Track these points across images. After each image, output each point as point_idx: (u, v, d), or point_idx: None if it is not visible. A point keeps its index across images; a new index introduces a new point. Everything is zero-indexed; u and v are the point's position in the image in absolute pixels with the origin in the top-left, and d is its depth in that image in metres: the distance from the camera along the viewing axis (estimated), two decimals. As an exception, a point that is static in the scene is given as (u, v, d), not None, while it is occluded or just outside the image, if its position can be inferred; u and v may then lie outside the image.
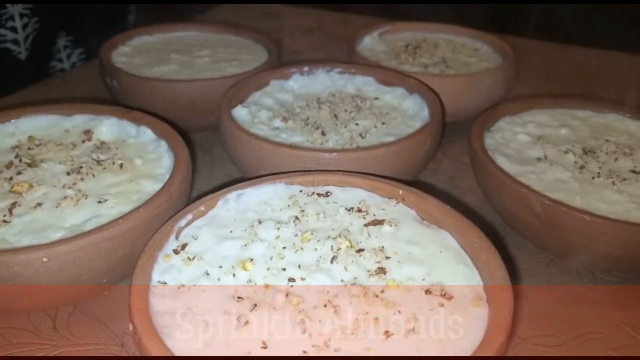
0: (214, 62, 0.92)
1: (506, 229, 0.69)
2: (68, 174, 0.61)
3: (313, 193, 0.57)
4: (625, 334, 0.56)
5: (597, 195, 0.61)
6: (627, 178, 0.63)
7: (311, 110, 0.77)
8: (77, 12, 1.15)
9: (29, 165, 0.62)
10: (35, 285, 0.49)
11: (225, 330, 0.42)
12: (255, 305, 0.44)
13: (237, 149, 0.68)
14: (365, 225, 0.53)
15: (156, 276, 0.47)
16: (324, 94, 0.82)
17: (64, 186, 0.59)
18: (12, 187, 0.58)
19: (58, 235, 0.52)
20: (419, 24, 1.09)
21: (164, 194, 0.55)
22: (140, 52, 0.95)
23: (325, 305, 0.44)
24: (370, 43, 1.02)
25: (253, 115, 0.74)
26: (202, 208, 0.54)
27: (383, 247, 0.50)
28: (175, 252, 0.49)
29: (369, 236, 0.52)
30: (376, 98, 0.81)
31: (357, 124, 0.73)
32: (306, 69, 0.85)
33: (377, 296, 0.45)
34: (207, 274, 0.47)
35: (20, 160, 0.63)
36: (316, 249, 0.50)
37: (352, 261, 0.48)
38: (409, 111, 0.78)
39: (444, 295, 0.45)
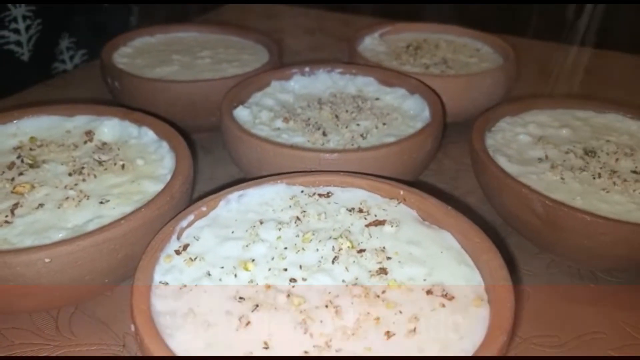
0: (215, 63, 0.92)
1: (507, 230, 0.69)
2: (70, 174, 0.61)
3: (314, 193, 0.57)
4: (627, 334, 0.56)
5: (598, 195, 0.61)
6: (628, 178, 0.63)
7: (312, 110, 0.77)
8: (79, 14, 1.15)
9: (31, 166, 0.62)
10: (37, 286, 0.49)
11: (227, 330, 0.42)
12: (257, 305, 0.44)
13: (239, 150, 0.69)
14: (367, 225, 0.53)
15: (158, 277, 0.47)
16: (325, 95, 0.82)
17: (65, 187, 0.59)
18: (14, 188, 0.58)
19: (60, 235, 0.52)
20: (420, 24, 1.09)
21: (166, 194, 0.55)
22: (141, 53, 0.95)
23: (326, 306, 0.44)
24: (371, 43, 1.02)
25: (254, 115, 0.74)
26: (204, 209, 0.54)
27: (384, 247, 0.50)
28: (177, 252, 0.50)
29: (370, 236, 0.52)
30: (377, 98, 0.81)
31: (358, 125, 0.73)
32: (307, 69, 0.85)
33: (378, 296, 0.45)
34: (209, 274, 0.47)
35: (22, 161, 0.63)
36: (317, 250, 0.50)
37: (354, 261, 0.49)
38: (409, 112, 0.78)
39: (445, 295, 0.45)
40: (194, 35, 1.04)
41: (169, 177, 0.59)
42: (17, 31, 1.01)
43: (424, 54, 0.97)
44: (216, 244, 0.51)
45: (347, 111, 0.76)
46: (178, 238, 0.51)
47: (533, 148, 0.70)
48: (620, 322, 0.57)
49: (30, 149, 0.66)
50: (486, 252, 0.48)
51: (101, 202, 0.57)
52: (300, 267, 0.48)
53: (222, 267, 0.48)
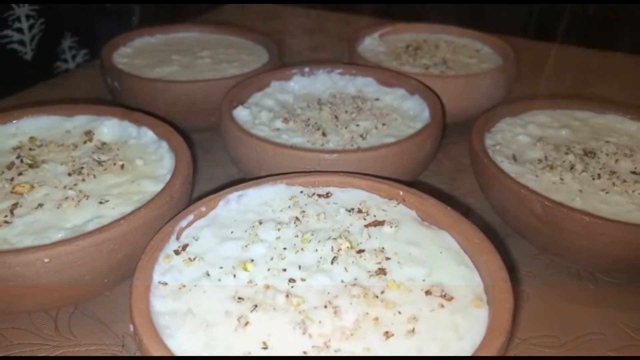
0: (215, 63, 0.92)
1: (507, 230, 0.69)
2: (69, 174, 0.61)
3: (314, 194, 0.57)
4: (626, 335, 0.56)
5: (598, 196, 0.61)
6: (628, 179, 0.63)
7: (312, 111, 0.77)
8: (82, 13, 1.15)
9: (31, 166, 0.62)
10: (36, 286, 0.49)
11: (226, 330, 0.42)
12: (256, 305, 0.44)
13: (238, 150, 0.69)
14: (366, 226, 0.53)
15: (157, 277, 0.47)
16: (324, 95, 0.82)
17: (65, 187, 0.59)
18: (13, 188, 0.58)
19: (59, 235, 0.52)
20: (420, 24, 1.09)
21: (165, 194, 0.55)
22: (141, 53, 0.95)
23: (325, 306, 0.44)
24: (371, 44, 1.02)
25: (254, 116, 0.74)
26: (203, 209, 0.54)
27: (383, 247, 0.50)
28: (176, 252, 0.50)
29: (370, 237, 0.52)
30: (377, 99, 0.81)
31: (357, 125, 0.73)
32: (307, 70, 0.85)
33: (377, 297, 0.45)
34: (208, 274, 0.47)
35: (22, 161, 0.63)
36: (317, 250, 0.50)
37: (353, 262, 0.49)
38: (409, 112, 0.78)
39: (444, 296, 0.45)
40: (194, 36, 1.04)
41: (168, 177, 0.59)
42: (20, 30, 1.02)
43: (424, 54, 0.97)
44: (215, 244, 0.51)
45: (346, 112, 0.76)
46: (177, 238, 0.51)
47: (532, 148, 0.70)
48: (619, 323, 0.57)
49: (30, 149, 0.66)
50: (485, 252, 0.48)
51: (100, 202, 0.57)
52: (300, 267, 0.48)
53: (221, 267, 0.48)
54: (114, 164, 0.63)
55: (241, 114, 0.74)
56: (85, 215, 0.55)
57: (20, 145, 0.67)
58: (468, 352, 0.41)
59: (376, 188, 0.57)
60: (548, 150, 0.69)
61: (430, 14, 1.17)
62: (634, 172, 0.65)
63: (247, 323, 0.43)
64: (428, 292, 0.46)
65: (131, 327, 0.42)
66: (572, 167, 0.65)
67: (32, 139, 0.67)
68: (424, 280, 0.47)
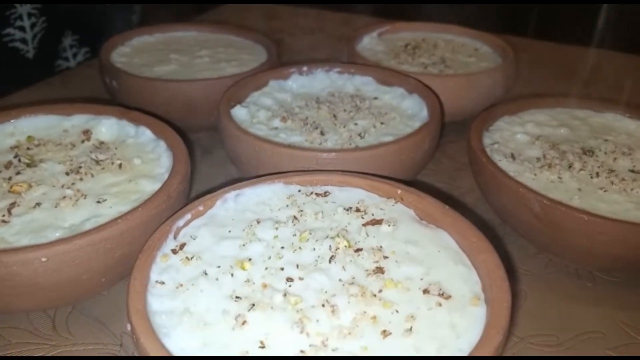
0: (213, 62, 0.92)
1: (505, 229, 0.69)
2: (67, 174, 0.61)
3: (312, 193, 0.57)
4: (624, 333, 0.56)
5: (596, 194, 0.61)
6: (626, 178, 0.63)
7: (310, 110, 0.77)
8: (83, 12, 1.15)
9: (28, 165, 0.62)
10: (34, 285, 0.49)
11: (223, 329, 0.42)
12: (254, 304, 0.44)
13: (236, 149, 0.69)
14: (364, 225, 0.53)
15: (154, 276, 0.47)
16: (323, 94, 0.82)
17: (62, 186, 0.59)
18: (11, 187, 0.58)
19: (57, 235, 0.52)
20: (419, 24, 1.08)
21: (163, 193, 0.55)
22: (139, 52, 0.95)
23: (323, 305, 0.44)
24: (370, 43, 1.02)
25: (252, 115, 0.74)
26: (201, 208, 0.54)
27: (381, 246, 0.50)
28: (174, 251, 0.50)
29: (367, 236, 0.52)
30: (375, 98, 0.81)
31: (356, 124, 0.73)
32: (305, 69, 0.85)
33: (375, 296, 0.45)
34: (205, 273, 0.47)
35: (20, 161, 0.63)
36: (314, 249, 0.50)
37: (350, 261, 0.48)
38: (408, 111, 0.78)
39: (442, 294, 0.45)
40: (193, 35, 1.03)
41: (166, 177, 0.58)
42: (22, 29, 1.02)
43: (423, 53, 0.97)
44: (213, 243, 0.51)
45: (345, 110, 0.76)
46: (175, 237, 0.51)
47: (531, 147, 0.70)
48: (618, 322, 0.57)
49: (28, 148, 0.66)
50: (483, 251, 0.48)
51: (98, 202, 0.57)
52: (297, 266, 0.48)
53: (219, 267, 0.48)
54: (112, 163, 0.63)
55: (239, 113, 0.74)
56: (82, 215, 0.55)
57: (18, 144, 0.67)
58: (465, 351, 0.41)
59: (374, 187, 0.57)
60: (546, 148, 0.69)
61: (429, 13, 1.17)
62: (632, 171, 0.65)
63: (244, 322, 0.43)
64: (426, 291, 0.46)
65: (128, 327, 0.41)
66: (570, 166, 0.65)
67: (29, 138, 0.67)
68: (421, 279, 0.47)
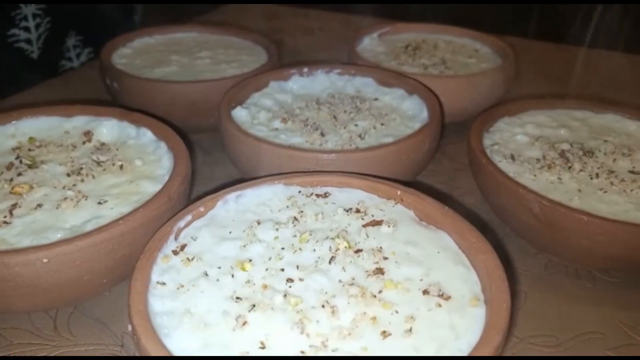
0: (214, 64, 0.92)
1: (505, 230, 0.69)
2: (68, 175, 0.61)
3: (312, 194, 0.58)
4: (624, 334, 0.56)
5: (596, 195, 0.61)
6: (626, 178, 0.64)
7: (310, 111, 0.77)
8: (86, 12, 1.16)
9: (30, 166, 0.62)
10: (35, 286, 0.49)
11: (224, 330, 0.43)
12: (254, 305, 0.44)
13: (237, 150, 0.69)
14: (364, 225, 0.53)
15: (155, 277, 0.47)
16: (323, 95, 0.82)
17: (64, 187, 0.59)
18: (12, 189, 0.59)
19: (58, 236, 0.52)
20: (419, 25, 1.09)
21: (164, 195, 0.55)
22: (140, 54, 0.96)
23: (323, 306, 0.44)
24: (370, 44, 1.02)
25: (252, 116, 0.75)
26: (202, 209, 0.54)
27: (381, 247, 0.51)
28: (175, 252, 0.50)
29: (367, 237, 0.52)
30: (375, 99, 0.81)
31: (356, 125, 0.73)
32: (305, 70, 0.85)
33: (374, 296, 0.45)
34: (206, 274, 0.48)
35: (21, 162, 0.63)
36: (314, 250, 0.50)
37: (350, 262, 0.49)
38: (408, 112, 0.78)
39: (442, 295, 0.46)
40: (193, 36, 1.04)
41: (167, 178, 0.59)
42: (27, 29, 1.03)
43: (423, 54, 0.98)
44: (214, 244, 0.51)
45: (345, 111, 0.76)
46: (176, 238, 0.51)
47: (531, 148, 0.70)
48: (617, 322, 0.57)
49: (29, 150, 0.66)
50: (483, 252, 0.48)
51: (99, 203, 0.57)
52: (297, 267, 0.48)
53: (220, 267, 0.48)
54: (113, 165, 0.63)
55: (240, 114, 0.74)
56: (84, 216, 0.55)
57: (19, 145, 0.67)
58: (465, 352, 0.41)
59: (374, 188, 0.58)
60: (546, 149, 0.69)
61: (430, 14, 1.18)
62: (632, 172, 0.66)
63: (245, 323, 0.43)
64: (425, 292, 0.46)
65: (129, 327, 0.42)
66: (570, 167, 0.65)
67: (31, 139, 0.68)
68: (421, 280, 0.47)
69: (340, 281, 0.47)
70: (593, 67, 1.13)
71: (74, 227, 0.54)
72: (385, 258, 0.49)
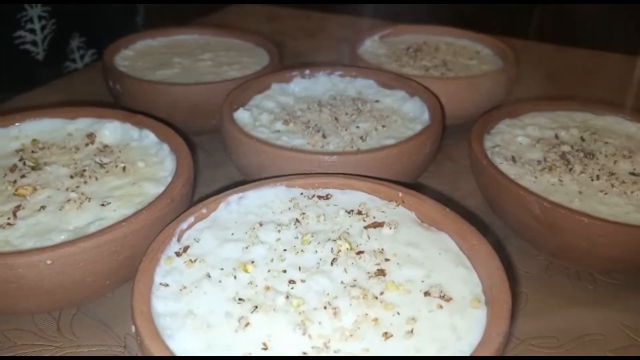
0: (216, 66, 0.92)
1: (506, 231, 0.69)
2: (71, 177, 0.62)
3: (313, 196, 0.58)
4: (625, 335, 0.56)
5: (596, 197, 0.61)
6: (626, 180, 0.64)
7: (312, 113, 0.77)
8: (90, 14, 1.17)
9: (33, 168, 0.63)
10: (39, 287, 0.49)
11: (226, 331, 0.43)
12: (256, 306, 0.44)
13: (239, 152, 0.69)
14: (365, 227, 0.54)
15: (158, 278, 0.47)
16: (324, 97, 0.83)
17: (67, 189, 0.60)
18: (16, 190, 0.59)
19: (61, 237, 0.53)
20: (420, 26, 1.09)
21: (166, 196, 0.56)
22: (143, 56, 0.96)
23: (325, 307, 0.45)
24: (371, 46, 1.02)
25: (254, 118, 0.75)
26: (204, 211, 0.54)
27: (383, 249, 0.51)
28: (177, 254, 0.50)
29: (369, 238, 0.52)
30: (377, 101, 0.82)
31: (357, 127, 0.74)
32: (307, 72, 0.85)
33: (376, 298, 0.46)
34: (209, 276, 0.48)
35: (24, 164, 0.63)
36: (316, 251, 0.50)
37: (352, 263, 0.49)
38: (409, 114, 0.78)
39: (443, 296, 0.46)
40: (195, 38, 1.04)
41: (169, 180, 0.59)
42: (33, 31, 1.03)
43: (424, 56, 0.98)
44: (216, 246, 0.51)
45: (346, 113, 0.77)
46: (178, 240, 0.52)
47: (532, 150, 0.70)
48: (618, 324, 0.57)
49: (32, 152, 0.66)
50: (484, 254, 0.48)
51: (102, 204, 0.57)
52: (299, 268, 0.49)
53: (222, 269, 0.49)
54: (116, 166, 0.63)
55: (242, 116, 0.74)
56: (87, 217, 0.56)
57: (22, 147, 0.67)
58: (466, 353, 0.41)
59: (376, 190, 0.58)
60: (547, 151, 0.69)
61: (430, 15, 1.18)
62: (632, 174, 0.66)
63: (247, 324, 0.43)
64: (427, 293, 0.46)
65: (133, 328, 0.42)
66: (571, 169, 0.66)
67: (34, 141, 0.68)
68: (422, 282, 0.48)
69: (342, 283, 0.47)
70: (594, 69, 1.13)
71: (78, 229, 0.54)
72: (387, 260, 0.50)
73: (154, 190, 0.59)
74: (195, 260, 0.49)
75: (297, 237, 0.52)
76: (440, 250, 0.51)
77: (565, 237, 0.58)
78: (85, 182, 0.61)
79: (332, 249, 0.50)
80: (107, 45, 0.94)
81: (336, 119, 0.76)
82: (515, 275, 0.63)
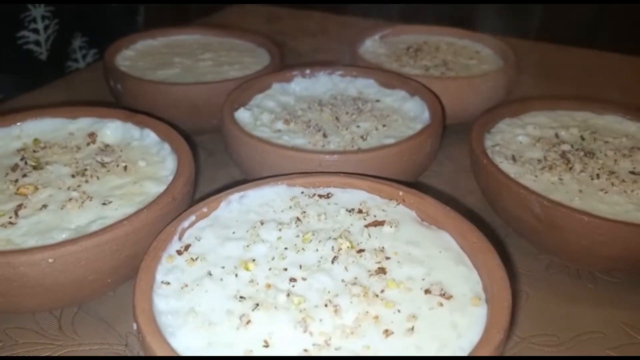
0: (216, 66, 0.92)
1: (506, 230, 0.70)
2: (73, 176, 0.62)
3: (314, 194, 0.58)
4: (625, 333, 0.56)
5: (597, 196, 0.62)
6: (626, 179, 0.64)
7: (313, 112, 0.78)
8: (91, 13, 1.17)
9: (35, 167, 0.63)
10: (40, 286, 0.49)
11: (228, 329, 0.43)
12: (257, 304, 0.45)
13: (240, 151, 0.69)
14: (366, 226, 0.54)
15: (160, 276, 0.47)
16: (325, 97, 0.83)
17: (68, 188, 0.60)
18: (18, 189, 0.59)
19: (63, 236, 0.53)
20: (420, 26, 1.09)
21: (168, 195, 0.56)
22: (143, 56, 0.96)
23: (326, 305, 0.45)
24: (372, 46, 1.03)
25: (255, 117, 0.75)
26: (205, 209, 0.54)
27: (383, 247, 0.51)
28: (179, 252, 0.50)
29: (370, 237, 0.52)
30: (377, 100, 0.82)
31: (358, 126, 0.74)
32: (308, 71, 0.86)
33: (377, 296, 0.46)
34: (210, 274, 0.48)
35: (26, 163, 0.63)
36: (317, 250, 0.51)
37: (353, 261, 0.49)
38: (409, 113, 0.78)
39: (443, 294, 0.46)
40: (196, 38, 1.04)
41: (170, 179, 0.59)
42: (36, 31, 1.04)
43: (424, 56, 0.98)
44: (217, 244, 0.51)
45: (347, 113, 0.77)
46: (180, 238, 0.52)
47: (532, 149, 0.70)
48: (618, 322, 0.57)
49: (34, 151, 0.66)
50: (484, 252, 0.48)
51: (104, 203, 0.57)
52: (300, 266, 0.49)
53: (223, 267, 0.49)
54: (117, 166, 0.63)
55: (243, 115, 0.74)
56: (88, 216, 0.56)
57: (24, 147, 0.67)
58: (467, 351, 0.41)
59: (376, 189, 0.58)
60: (547, 150, 0.69)
61: (431, 15, 1.18)
62: (632, 172, 0.66)
63: (248, 322, 0.43)
64: (427, 291, 0.46)
65: (134, 326, 0.42)
66: (571, 168, 0.66)
67: (36, 141, 0.68)
68: (423, 279, 0.48)
69: (342, 281, 0.47)
70: (594, 68, 1.13)
71: (79, 228, 0.54)
72: (388, 258, 0.50)
73: (155, 189, 0.59)
74: (196, 259, 0.49)
75: (298, 236, 0.52)
76: (441, 248, 0.51)
77: (566, 236, 0.58)
78: (87, 181, 0.61)
79: (332, 247, 0.50)
80: (108, 44, 0.94)
81: (337, 118, 0.76)
82: (516, 273, 0.63)
